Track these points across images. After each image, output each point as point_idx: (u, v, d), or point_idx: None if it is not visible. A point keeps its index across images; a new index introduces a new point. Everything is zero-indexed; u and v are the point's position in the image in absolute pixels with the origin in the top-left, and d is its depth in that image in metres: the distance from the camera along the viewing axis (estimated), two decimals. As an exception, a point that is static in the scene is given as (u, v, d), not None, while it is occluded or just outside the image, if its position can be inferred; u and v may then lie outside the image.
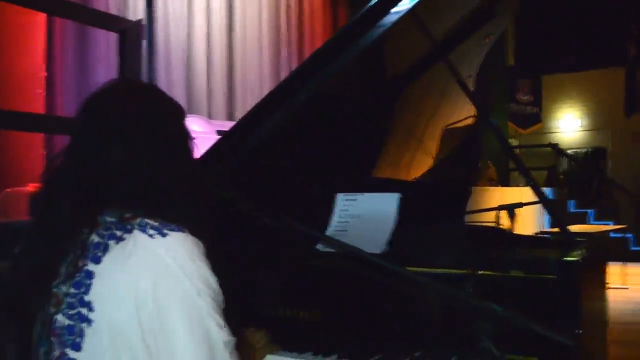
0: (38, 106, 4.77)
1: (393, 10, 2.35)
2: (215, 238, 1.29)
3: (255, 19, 7.50)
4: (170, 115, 1.38)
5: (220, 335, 1.18)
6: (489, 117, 2.53)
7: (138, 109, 1.32)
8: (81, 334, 1.15)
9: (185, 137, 1.39)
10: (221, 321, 1.19)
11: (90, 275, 1.17)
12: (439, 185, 2.20)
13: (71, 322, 1.16)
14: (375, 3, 2.32)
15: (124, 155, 1.25)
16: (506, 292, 1.73)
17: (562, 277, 1.68)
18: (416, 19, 2.42)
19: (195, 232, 1.25)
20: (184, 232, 1.23)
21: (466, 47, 3.26)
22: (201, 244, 1.24)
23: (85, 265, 1.18)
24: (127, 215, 1.22)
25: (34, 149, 4.72)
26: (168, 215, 1.25)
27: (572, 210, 11.77)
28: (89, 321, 1.15)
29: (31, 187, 3.80)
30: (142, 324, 1.13)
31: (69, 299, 1.17)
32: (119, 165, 1.24)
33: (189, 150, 1.39)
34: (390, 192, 2.12)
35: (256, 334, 1.80)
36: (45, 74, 4.92)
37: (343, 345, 1.88)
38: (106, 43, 5.42)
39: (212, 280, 1.21)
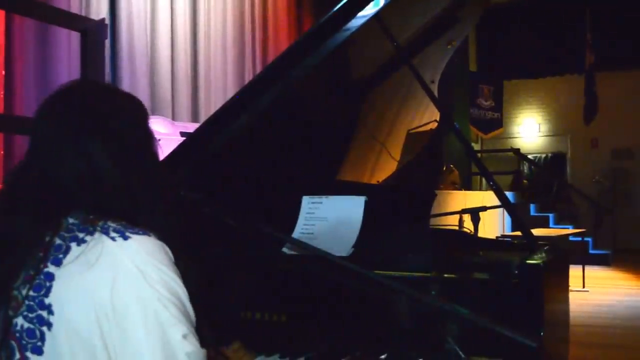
0: (-4, 106, 4.67)
1: (359, 14, 2.36)
2: (185, 244, 1.26)
3: (219, 21, 7.45)
4: (133, 116, 1.34)
5: (182, 345, 1.13)
6: (453, 121, 2.55)
7: (100, 110, 1.28)
8: (42, 338, 1.12)
9: (149, 139, 1.35)
10: (186, 330, 1.14)
11: (50, 277, 1.14)
12: (404, 188, 2.21)
13: (31, 326, 1.13)
14: (341, 7, 2.33)
15: (85, 159, 1.22)
16: (470, 295, 1.74)
17: (525, 279, 1.70)
18: (380, 23, 2.44)
19: (163, 238, 1.22)
20: (148, 235, 1.20)
21: (429, 52, 3.29)
22: (168, 250, 1.21)
23: (46, 267, 1.15)
24: (91, 217, 1.19)
25: (-8, 149, 4.62)
26: (135, 221, 1.22)
27: (532, 214, 11.98)
28: (49, 324, 1.12)
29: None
30: (102, 329, 1.10)
31: (28, 302, 1.14)
32: (81, 170, 1.21)
33: (154, 153, 1.36)
34: (356, 195, 2.13)
35: (232, 347, 1.78)
36: (4, 72, 4.82)
37: (310, 347, 1.87)
38: (68, 42, 5.33)
39: (178, 288, 1.17)
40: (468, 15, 3.27)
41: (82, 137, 1.23)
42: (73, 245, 1.16)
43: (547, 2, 13.54)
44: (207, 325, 1.25)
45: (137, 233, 1.18)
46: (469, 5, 3.15)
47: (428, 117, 3.70)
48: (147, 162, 1.32)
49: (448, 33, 3.24)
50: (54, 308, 1.12)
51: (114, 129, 1.27)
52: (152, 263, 1.15)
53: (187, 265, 1.23)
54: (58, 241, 1.17)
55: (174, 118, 6.49)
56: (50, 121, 1.26)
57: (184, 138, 2.66)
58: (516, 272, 1.72)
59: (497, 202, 2.26)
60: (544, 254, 1.88)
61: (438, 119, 3.75)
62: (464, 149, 2.46)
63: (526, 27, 13.79)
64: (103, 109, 1.29)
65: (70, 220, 1.19)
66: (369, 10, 2.36)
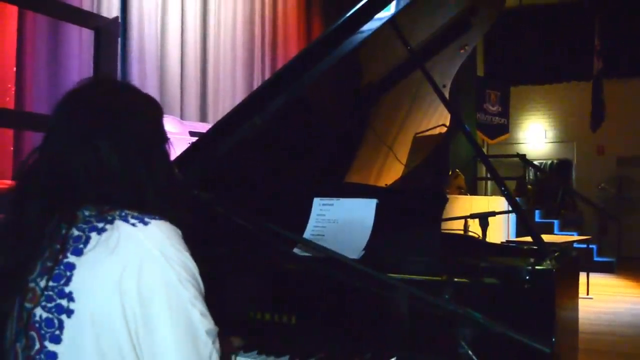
0: (8, 101, 4.68)
1: (375, 17, 2.36)
2: (195, 238, 1.29)
3: (229, 21, 7.47)
4: (145, 114, 1.37)
5: (202, 323, 1.19)
6: (464, 125, 2.54)
7: (115, 107, 1.31)
8: (60, 327, 1.14)
9: (160, 137, 1.39)
10: (204, 309, 1.21)
11: (70, 267, 1.17)
12: (416, 191, 2.21)
13: (49, 315, 1.15)
14: (356, 11, 2.33)
15: (93, 153, 1.25)
16: (482, 300, 1.74)
17: (538, 285, 1.70)
18: (394, 27, 2.44)
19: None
20: (164, 220, 1.24)
21: (442, 57, 3.29)
22: (180, 232, 1.26)
23: (66, 258, 1.18)
24: (106, 207, 1.23)
25: (2, 145, 4.63)
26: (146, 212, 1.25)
27: (537, 220, 11.97)
28: (68, 312, 1.14)
29: (0, 184, 3.73)
30: (125, 313, 1.13)
31: (47, 292, 1.16)
32: (89, 163, 1.24)
33: (164, 150, 1.39)
34: (368, 197, 2.13)
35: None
36: (16, 69, 4.83)
37: (319, 350, 1.88)
38: (79, 40, 5.35)
39: (193, 267, 1.23)
40: (482, 20, 3.26)
41: (91, 132, 1.27)
42: (93, 234, 1.19)
43: (555, 9, 13.54)
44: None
45: (154, 218, 1.23)
46: (482, 11, 3.15)
47: (436, 121, 3.70)
48: (155, 159, 1.34)
49: (461, 38, 3.24)
50: (75, 295, 1.15)
51: (123, 125, 1.30)
52: (171, 245, 1.21)
53: (196, 260, 1.27)
54: (76, 233, 1.20)
55: (182, 117, 6.51)
56: (63, 116, 1.30)
57: (193, 137, 2.67)
58: (527, 277, 1.72)
59: (502, 207, 2.26)
60: (555, 260, 1.88)
61: (446, 123, 3.75)
62: (474, 153, 2.46)
63: (534, 33, 13.79)
64: (115, 106, 1.32)
65: (86, 213, 1.22)
66: (385, 14, 2.37)
